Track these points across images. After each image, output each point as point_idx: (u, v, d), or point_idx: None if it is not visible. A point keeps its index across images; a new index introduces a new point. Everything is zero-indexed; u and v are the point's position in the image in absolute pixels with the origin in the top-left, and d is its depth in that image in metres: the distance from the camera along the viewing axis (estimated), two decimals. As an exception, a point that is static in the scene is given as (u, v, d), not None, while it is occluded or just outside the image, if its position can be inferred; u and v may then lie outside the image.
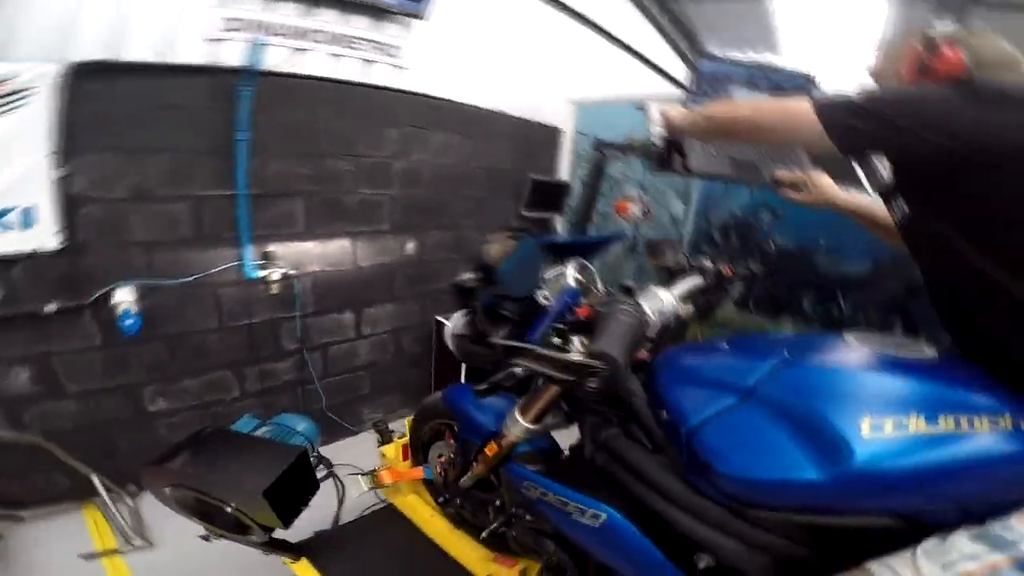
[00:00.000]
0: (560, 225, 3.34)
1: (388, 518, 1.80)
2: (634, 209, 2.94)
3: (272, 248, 2.15)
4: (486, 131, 2.87)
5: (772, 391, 0.78)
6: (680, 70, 3.02)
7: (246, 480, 1.26)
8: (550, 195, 3.24)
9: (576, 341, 0.78)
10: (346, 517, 2.01)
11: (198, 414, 2.14)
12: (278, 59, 1.99)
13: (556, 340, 0.78)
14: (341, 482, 1.99)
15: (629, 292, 0.87)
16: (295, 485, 1.33)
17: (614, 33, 3.90)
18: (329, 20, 2.09)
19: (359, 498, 1.90)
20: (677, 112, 1.13)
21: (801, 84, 1.87)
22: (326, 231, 2.32)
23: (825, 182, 1.29)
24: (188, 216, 1.94)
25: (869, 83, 1.03)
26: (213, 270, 2.02)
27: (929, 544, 0.64)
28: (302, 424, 1.84)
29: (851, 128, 0.78)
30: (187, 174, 1.91)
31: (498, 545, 1.44)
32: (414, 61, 2.41)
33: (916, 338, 0.86)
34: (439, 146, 2.65)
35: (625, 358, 0.64)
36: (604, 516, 0.90)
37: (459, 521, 1.59)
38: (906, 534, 0.65)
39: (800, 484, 0.67)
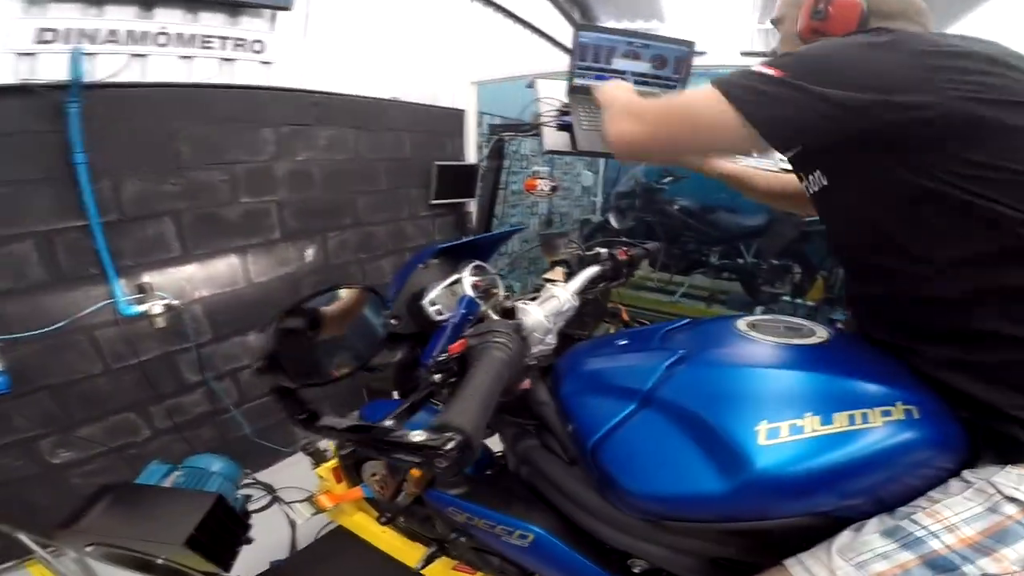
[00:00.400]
0: (474, 208, 3.28)
1: (344, 538, 1.75)
2: (543, 185, 2.97)
3: (147, 279, 1.94)
4: (382, 121, 2.73)
5: (668, 395, 0.76)
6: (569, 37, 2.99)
7: (164, 533, 1.20)
8: (459, 180, 3.16)
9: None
10: (303, 541, 1.94)
11: (110, 460, 1.98)
12: (113, 68, 1.76)
13: (436, 378, 0.71)
14: (291, 507, 1.90)
15: (509, 314, 0.79)
16: (220, 528, 1.27)
17: (510, 8, 3.84)
18: (172, 20, 1.87)
19: (313, 520, 1.82)
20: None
21: (684, 54, 1.87)
22: (207, 250, 2.12)
23: None
24: (36, 256, 1.70)
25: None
26: (81, 313, 1.79)
27: (843, 539, 0.64)
28: (217, 464, 1.73)
29: (777, 115, 0.68)
30: (23, 209, 1.66)
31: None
32: (282, 55, 2.22)
33: (807, 320, 0.86)
34: (328, 142, 2.49)
35: (481, 426, 0.55)
36: (531, 536, 0.87)
37: (411, 534, 1.55)
38: (830, 527, 0.66)
39: (704, 497, 0.66)
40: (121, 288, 1.86)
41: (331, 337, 0.73)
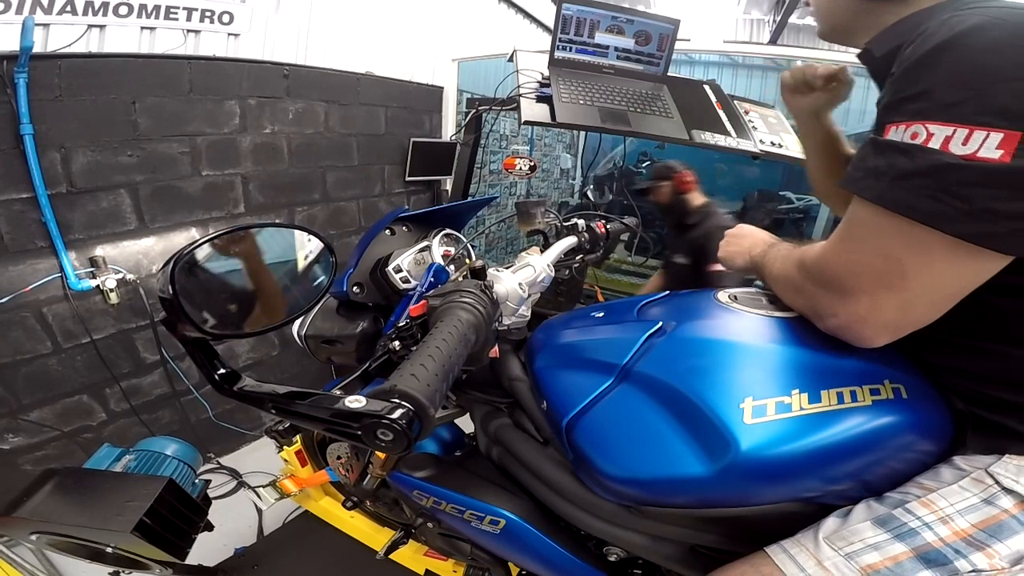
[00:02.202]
0: (450, 186, 3.21)
1: (312, 523, 1.71)
2: (522, 164, 2.93)
3: (100, 252, 1.84)
4: (356, 96, 2.64)
5: (646, 369, 0.71)
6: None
7: (111, 520, 1.13)
8: (436, 157, 3.09)
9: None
10: (270, 526, 1.88)
11: (64, 444, 1.89)
12: (69, 38, 1.67)
13: (395, 345, 0.64)
14: (255, 492, 1.83)
15: (477, 274, 0.70)
16: (173, 514, 1.22)
17: None
18: None
19: (280, 505, 1.76)
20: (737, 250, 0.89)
21: (668, 31, 1.84)
22: (166, 224, 2.02)
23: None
24: (-24, 228, 1.59)
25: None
26: (27, 288, 1.68)
27: (830, 526, 0.60)
28: (172, 446, 1.65)
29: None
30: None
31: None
32: (253, 27, 2.14)
33: None
34: (298, 116, 2.39)
35: (438, 393, 0.46)
36: (503, 521, 0.82)
37: (379, 519, 1.50)
38: (812, 513, 0.62)
39: (686, 480, 0.62)
40: (71, 261, 1.76)
41: (254, 281, 0.61)
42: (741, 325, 0.72)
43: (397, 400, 0.44)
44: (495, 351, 0.82)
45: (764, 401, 0.60)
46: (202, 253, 0.54)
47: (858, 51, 0.74)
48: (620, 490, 0.69)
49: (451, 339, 0.53)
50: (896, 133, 0.50)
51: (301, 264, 0.67)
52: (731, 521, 0.66)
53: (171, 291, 0.49)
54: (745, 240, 0.89)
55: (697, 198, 2.29)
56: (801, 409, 0.59)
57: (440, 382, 0.48)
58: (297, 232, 0.69)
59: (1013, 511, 0.54)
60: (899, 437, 0.60)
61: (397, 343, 0.64)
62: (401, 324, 0.65)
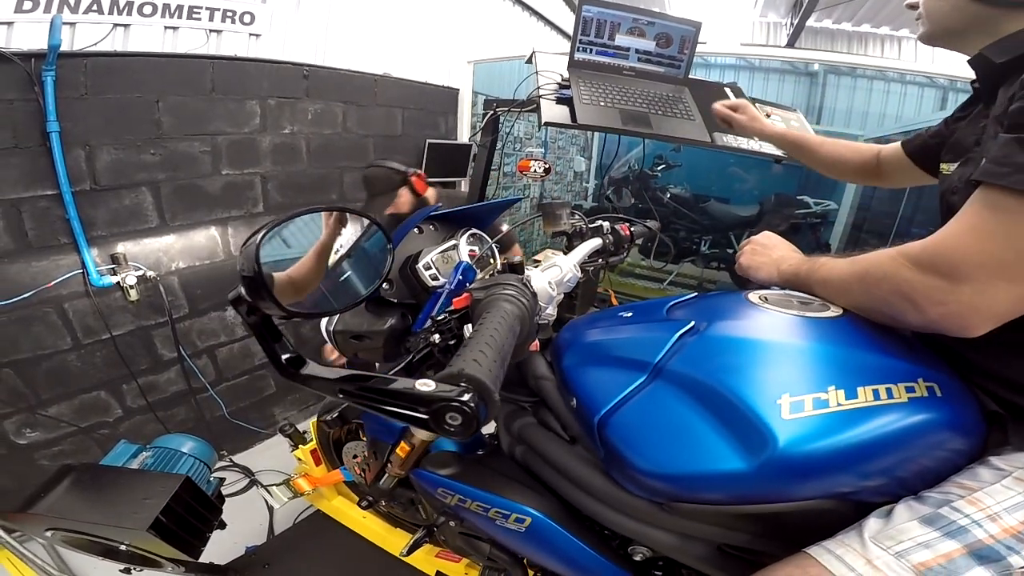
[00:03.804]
0: (465, 188, 3.22)
1: (324, 523, 1.70)
2: (536, 167, 2.93)
3: (121, 249, 1.86)
4: (373, 97, 2.67)
5: (680, 367, 0.71)
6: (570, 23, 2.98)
7: (127, 518, 1.13)
8: (451, 158, 3.11)
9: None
10: (281, 526, 1.88)
11: (81, 440, 1.91)
12: (94, 37, 1.70)
13: (435, 339, 0.64)
14: (268, 491, 1.84)
15: (515, 268, 0.72)
16: (188, 512, 1.22)
17: None
18: None
19: (291, 503, 1.77)
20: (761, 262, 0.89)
21: (690, 33, 1.83)
22: (186, 222, 2.04)
23: (751, 113, 1.32)
24: (2, 225, 1.61)
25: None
26: (50, 283, 1.70)
27: (874, 525, 0.60)
28: (188, 444, 1.65)
29: None
30: (-9, 177, 1.58)
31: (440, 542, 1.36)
32: (273, 27, 2.16)
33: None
34: (317, 116, 2.41)
35: (499, 379, 0.47)
36: (529, 520, 0.82)
37: (393, 520, 1.49)
38: (846, 512, 0.62)
39: (723, 476, 0.61)
40: (93, 258, 1.79)
41: (330, 262, 0.64)
42: (774, 324, 0.72)
43: (465, 384, 0.44)
44: (535, 344, 0.82)
45: (801, 397, 0.60)
46: (282, 232, 0.55)
47: (968, 56, 0.75)
48: (654, 485, 0.68)
49: (503, 327, 0.54)
50: None
51: (362, 253, 0.69)
52: (764, 519, 0.65)
53: (256, 268, 0.49)
54: (773, 251, 0.89)
55: (433, 197, 2.03)
56: (838, 405, 0.59)
57: (499, 368, 0.48)
58: (364, 220, 0.70)
59: None
60: (933, 435, 0.60)
61: (437, 336, 0.64)
62: (440, 318, 0.65)
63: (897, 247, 0.65)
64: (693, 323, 0.76)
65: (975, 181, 0.58)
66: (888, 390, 0.59)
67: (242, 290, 0.50)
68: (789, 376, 0.63)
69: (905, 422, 0.58)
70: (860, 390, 0.59)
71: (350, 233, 0.68)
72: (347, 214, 0.70)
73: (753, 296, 0.79)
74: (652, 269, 3.58)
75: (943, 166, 0.81)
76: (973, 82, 0.80)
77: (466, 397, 0.43)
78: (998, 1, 0.68)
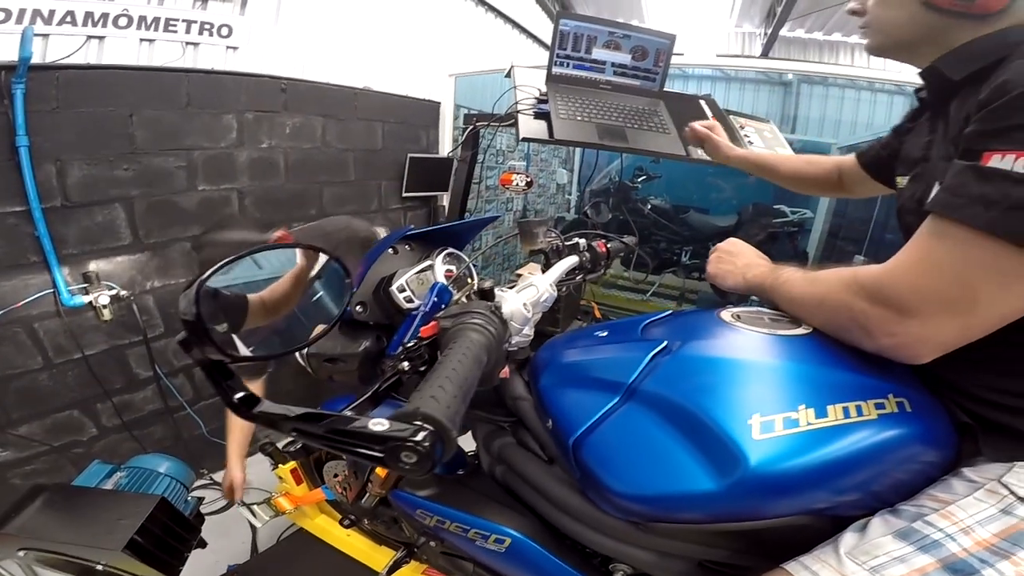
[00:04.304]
0: (446, 202, 3.22)
1: (307, 541, 1.67)
2: (518, 180, 2.95)
3: (94, 267, 1.82)
4: (353, 111, 2.66)
5: (653, 387, 0.72)
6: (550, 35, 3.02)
7: (102, 538, 1.13)
8: (433, 172, 3.10)
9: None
10: (264, 544, 1.85)
11: (54, 459, 1.87)
12: (68, 49, 1.68)
13: (404, 366, 0.63)
14: (249, 509, 1.81)
15: (485, 294, 0.70)
16: (165, 532, 1.22)
17: (491, 2, 3.82)
18: (135, 3, 1.81)
19: (274, 522, 1.74)
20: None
21: (665, 46, 1.86)
22: (161, 239, 2.00)
23: (722, 136, 1.38)
24: (-33, 243, 1.57)
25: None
26: (18, 303, 1.66)
27: (850, 541, 0.60)
28: (163, 464, 1.63)
29: None
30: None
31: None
32: (251, 40, 2.15)
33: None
34: (295, 130, 2.39)
35: (458, 415, 0.46)
36: (508, 540, 0.82)
37: (377, 537, 1.48)
38: (823, 527, 0.63)
39: (696, 496, 0.62)
40: (64, 277, 1.75)
41: (274, 303, 0.63)
42: (746, 343, 0.73)
43: (420, 423, 0.43)
44: (505, 371, 0.82)
45: (772, 417, 0.61)
46: (224, 274, 0.54)
47: (918, 68, 0.74)
48: (629, 507, 0.69)
49: (466, 360, 0.53)
50: (1004, 162, 0.51)
51: (318, 286, 0.68)
52: (742, 535, 0.66)
53: (195, 313, 0.48)
54: (739, 259, 0.89)
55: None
56: (808, 424, 0.60)
57: (459, 404, 0.48)
58: (321, 255, 0.69)
59: None
60: (905, 449, 0.61)
61: (406, 363, 0.63)
62: (410, 345, 0.64)
63: (854, 270, 0.66)
64: (666, 343, 0.77)
65: (927, 210, 0.58)
66: (858, 407, 0.60)
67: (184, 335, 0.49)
68: (760, 396, 0.64)
69: (876, 439, 0.59)
70: (830, 408, 0.60)
71: (303, 269, 0.66)
72: (297, 250, 0.69)
73: (725, 314, 0.80)
74: (636, 281, 3.61)
75: (898, 179, 0.82)
76: (918, 91, 0.80)
77: (420, 436, 0.42)
78: (953, 11, 0.66)
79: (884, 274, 0.61)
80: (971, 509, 0.58)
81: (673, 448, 0.65)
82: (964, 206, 0.54)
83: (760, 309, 0.82)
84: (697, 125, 1.41)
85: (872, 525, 0.61)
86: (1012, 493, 0.57)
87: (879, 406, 0.61)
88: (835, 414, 0.60)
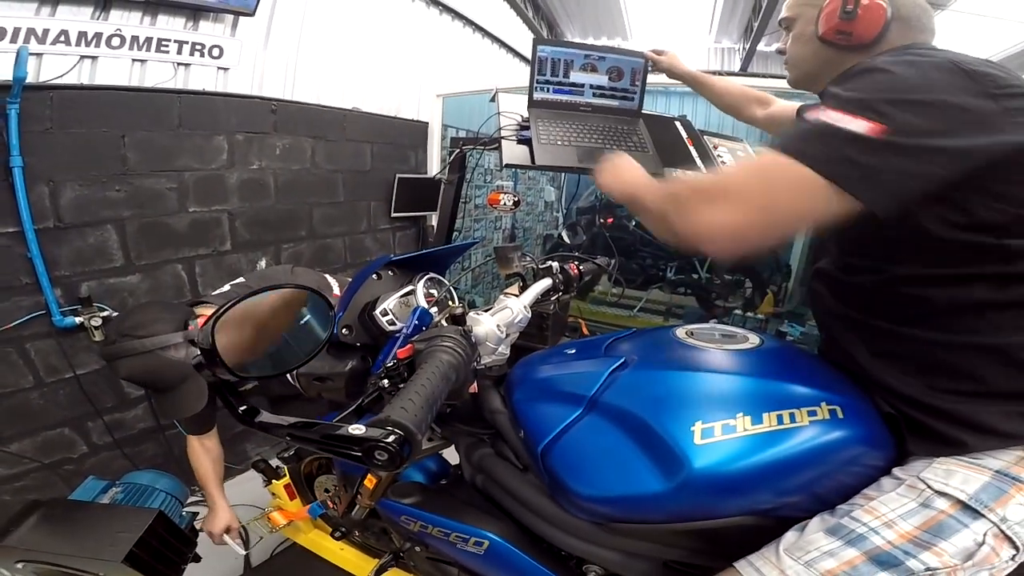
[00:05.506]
0: (435, 222, 3.27)
1: (300, 555, 1.70)
2: (505, 200, 3.00)
3: (86, 289, 1.84)
4: (342, 132, 2.71)
5: (610, 399, 0.79)
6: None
7: (102, 550, 1.16)
8: (421, 193, 3.15)
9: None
10: (258, 558, 1.86)
11: (45, 476, 1.88)
12: (61, 69, 1.71)
13: (385, 383, 0.71)
14: (243, 525, 1.83)
15: (457, 319, 0.78)
16: (163, 545, 1.25)
17: (479, 23, 3.91)
18: (128, 23, 1.84)
19: (268, 537, 1.76)
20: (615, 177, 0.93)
21: (639, 65, 1.93)
22: (152, 260, 2.03)
23: (672, 55, 1.62)
24: (-41, 264, 1.60)
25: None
26: (9, 325, 1.68)
27: (789, 538, 0.66)
28: (160, 480, 1.64)
29: (894, 192, 0.59)
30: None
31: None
32: (241, 61, 2.19)
33: (739, 328, 0.90)
34: (285, 152, 2.44)
35: (424, 422, 0.55)
36: (487, 543, 0.88)
37: (368, 549, 1.52)
38: (775, 528, 0.68)
39: (649, 497, 0.68)
40: (56, 298, 1.77)
41: (272, 334, 0.77)
42: (694, 358, 0.81)
43: (391, 428, 0.53)
44: (474, 387, 0.88)
45: (712, 424, 0.67)
46: (233, 311, 0.67)
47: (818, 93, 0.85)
48: (591, 508, 0.75)
49: (435, 378, 0.61)
50: (810, 114, 0.65)
51: (307, 318, 0.81)
52: (698, 535, 0.72)
53: (210, 343, 0.62)
54: (625, 173, 0.92)
55: None
56: (745, 430, 0.66)
57: (425, 413, 0.56)
58: (308, 293, 0.81)
59: (949, 511, 0.60)
60: (836, 453, 0.66)
61: (386, 381, 0.70)
62: (390, 365, 0.71)
63: (692, 174, 0.78)
64: (624, 359, 0.85)
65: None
66: (791, 415, 0.67)
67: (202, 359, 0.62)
68: (702, 405, 0.71)
69: (808, 444, 0.65)
70: (765, 416, 0.67)
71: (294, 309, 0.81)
72: (296, 290, 0.81)
73: (680, 332, 0.89)
74: (614, 297, 3.68)
75: None
76: None
77: (390, 439, 0.52)
78: (838, 44, 0.83)
79: (723, 175, 0.75)
80: (892, 504, 0.63)
81: (628, 454, 0.71)
82: (782, 141, 0.65)
83: (714, 326, 0.91)
84: (651, 53, 1.66)
85: (810, 524, 0.66)
86: (929, 487, 0.62)
87: (811, 413, 0.67)
88: (769, 421, 0.66)
